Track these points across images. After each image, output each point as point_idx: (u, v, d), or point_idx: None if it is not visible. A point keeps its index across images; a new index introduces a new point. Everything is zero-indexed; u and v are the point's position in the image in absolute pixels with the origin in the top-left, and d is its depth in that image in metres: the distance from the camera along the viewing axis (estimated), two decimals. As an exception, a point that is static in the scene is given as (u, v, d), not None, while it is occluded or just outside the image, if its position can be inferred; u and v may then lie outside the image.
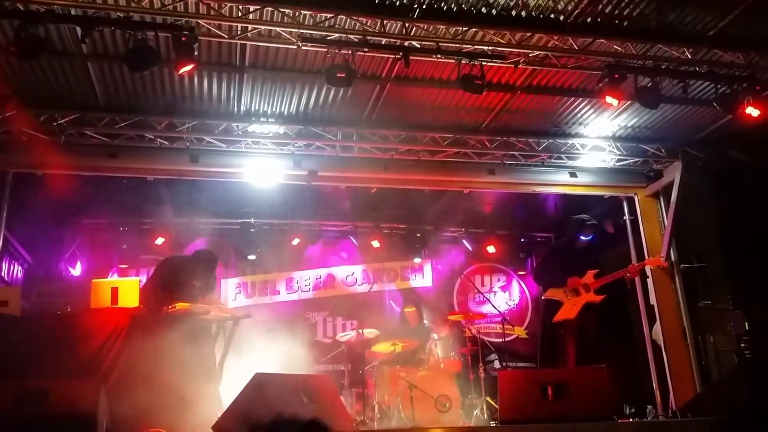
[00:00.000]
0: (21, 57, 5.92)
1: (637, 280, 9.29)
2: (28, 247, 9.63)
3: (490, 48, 6.57)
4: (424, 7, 6.29)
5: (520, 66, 6.90)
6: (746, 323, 7.64)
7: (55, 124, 7.64)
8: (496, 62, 6.74)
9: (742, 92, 6.94)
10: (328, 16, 6.14)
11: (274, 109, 8.07)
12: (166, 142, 8.11)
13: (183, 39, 5.91)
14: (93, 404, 4.43)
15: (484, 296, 11.08)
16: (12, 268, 9.39)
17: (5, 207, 8.09)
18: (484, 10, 6.41)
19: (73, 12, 5.87)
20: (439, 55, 6.53)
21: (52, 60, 6.85)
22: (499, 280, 11.88)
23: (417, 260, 11.49)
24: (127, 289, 5.68)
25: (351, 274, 11.31)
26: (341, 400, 5.69)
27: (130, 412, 5.00)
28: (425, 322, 8.83)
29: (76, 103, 7.66)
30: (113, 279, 8.39)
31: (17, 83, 7.22)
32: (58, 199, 8.60)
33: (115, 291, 5.65)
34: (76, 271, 9.96)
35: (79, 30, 5.80)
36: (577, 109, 8.28)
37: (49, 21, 5.79)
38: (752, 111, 6.91)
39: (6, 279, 8.97)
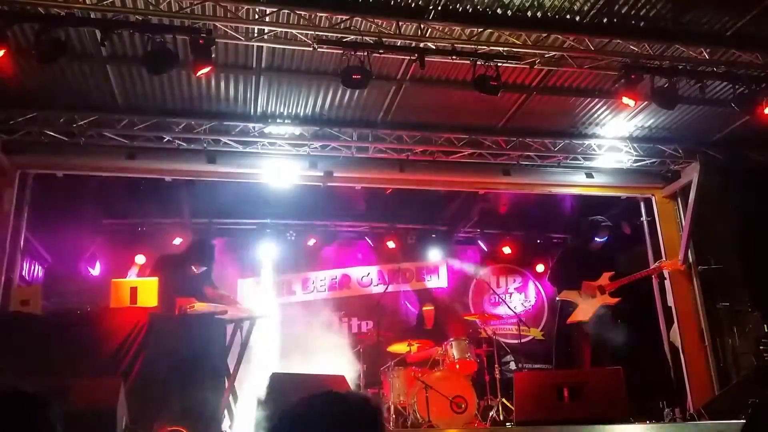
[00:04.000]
0: (41, 60, 6.00)
1: (654, 281, 9.25)
2: (48, 248, 9.76)
3: (505, 49, 6.55)
4: (439, 8, 6.29)
5: (535, 67, 6.90)
6: (765, 325, 7.58)
7: (74, 125, 7.74)
8: (511, 63, 6.72)
9: (761, 93, 6.87)
10: (344, 17, 6.16)
11: (290, 111, 8.11)
12: (184, 144, 8.18)
13: (200, 41, 5.96)
14: (112, 402, 4.48)
15: (499, 297, 11.06)
16: (33, 267, 9.52)
17: (26, 208, 8.22)
18: (499, 11, 6.40)
19: (92, 15, 5.94)
20: (454, 56, 6.54)
21: (71, 62, 6.93)
22: (514, 281, 11.85)
23: (432, 261, 11.50)
24: (146, 288, 5.75)
25: (366, 275, 11.34)
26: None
27: (149, 411, 5.07)
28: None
29: (96, 105, 7.76)
30: (132, 279, 8.48)
31: (38, 86, 7.33)
32: (77, 199, 8.72)
33: (134, 291, 5.72)
34: (96, 271, 10.08)
35: (98, 33, 5.87)
36: (594, 110, 8.25)
37: (69, 24, 5.87)
38: (771, 111, 6.85)
39: (27, 278, 9.09)
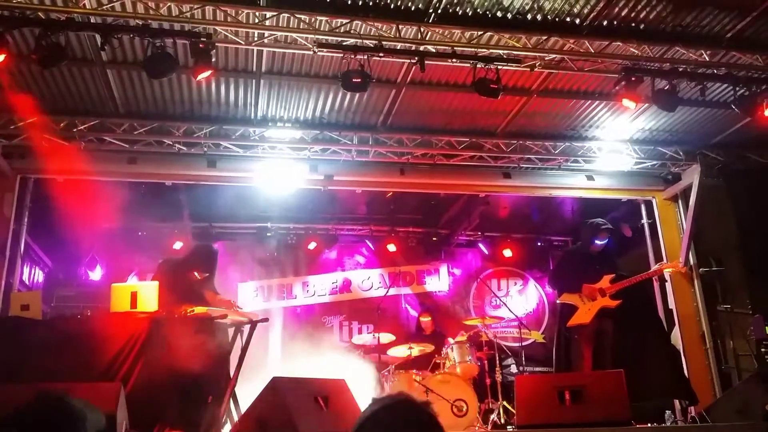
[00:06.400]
0: (42, 64, 6.01)
1: (656, 284, 9.23)
2: (48, 252, 9.76)
3: (505, 52, 6.56)
4: (439, 11, 6.31)
5: (536, 69, 6.89)
6: (766, 327, 7.55)
7: (75, 130, 7.76)
8: (511, 66, 6.72)
9: (761, 94, 6.87)
10: (344, 21, 6.17)
11: (290, 115, 8.12)
12: (184, 148, 8.18)
13: (201, 45, 5.96)
14: (112, 407, 4.46)
15: (500, 300, 11.04)
16: (33, 272, 9.52)
17: (26, 212, 8.23)
18: (499, 14, 6.42)
19: (92, 20, 5.93)
20: (454, 60, 6.54)
21: (72, 67, 6.96)
22: (515, 284, 11.83)
23: (433, 264, 11.48)
24: (146, 293, 5.72)
25: (367, 278, 11.33)
26: (357, 405, 5.69)
27: (149, 415, 5.05)
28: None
29: (96, 110, 7.77)
30: (132, 283, 8.47)
31: (38, 90, 7.34)
32: (77, 204, 8.69)
33: (134, 295, 5.69)
34: (96, 275, 10.07)
35: (98, 37, 5.88)
36: (594, 112, 8.25)
37: (69, 29, 5.87)
38: (771, 113, 6.84)
39: (27, 283, 9.09)
